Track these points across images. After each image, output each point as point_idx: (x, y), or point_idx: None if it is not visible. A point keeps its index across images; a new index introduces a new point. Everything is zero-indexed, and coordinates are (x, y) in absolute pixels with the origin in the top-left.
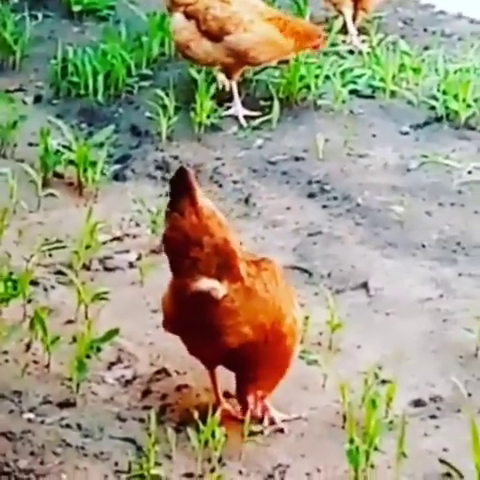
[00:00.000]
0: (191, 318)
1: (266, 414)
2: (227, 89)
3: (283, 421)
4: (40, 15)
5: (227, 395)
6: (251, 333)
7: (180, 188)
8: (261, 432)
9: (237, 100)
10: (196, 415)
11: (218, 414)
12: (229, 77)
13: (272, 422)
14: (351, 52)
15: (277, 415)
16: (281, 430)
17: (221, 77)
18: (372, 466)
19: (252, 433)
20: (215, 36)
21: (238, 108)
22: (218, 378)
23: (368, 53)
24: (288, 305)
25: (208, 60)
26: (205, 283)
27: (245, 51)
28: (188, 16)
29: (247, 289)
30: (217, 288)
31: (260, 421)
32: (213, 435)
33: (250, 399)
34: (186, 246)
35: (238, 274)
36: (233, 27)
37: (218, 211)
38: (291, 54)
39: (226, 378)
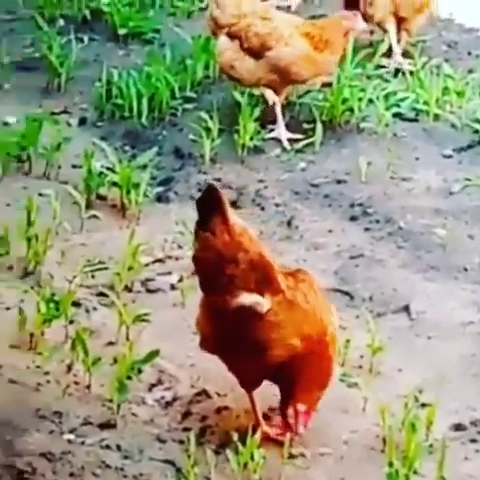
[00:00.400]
0: (232, 335)
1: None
2: (276, 106)
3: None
4: (86, 38)
5: (266, 417)
6: (299, 344)
7: (210, 206)
8: (301, 455)
9: (280, 123)
10: (235, 437)
11: (258, 436)
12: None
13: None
14: (395, 75)
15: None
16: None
17: (271, 96)
18: None
19: (291, 456)
20: (257, 52)
21: (281, 131)
22: (257, 400)
23: (411, 74)
24: (328, 314)
25: (252, 79)
26: (248, 298)
27: (286, 66)
28: (231, 36)
29: (289, 301)
30: (261, 302)
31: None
32: (252, 457)
33: (297, 411)
34: (220, 264)
35: (278, 287)
36: (274, 42)
37: (247, 227)
38: (332, 69)
39: (265, 400)
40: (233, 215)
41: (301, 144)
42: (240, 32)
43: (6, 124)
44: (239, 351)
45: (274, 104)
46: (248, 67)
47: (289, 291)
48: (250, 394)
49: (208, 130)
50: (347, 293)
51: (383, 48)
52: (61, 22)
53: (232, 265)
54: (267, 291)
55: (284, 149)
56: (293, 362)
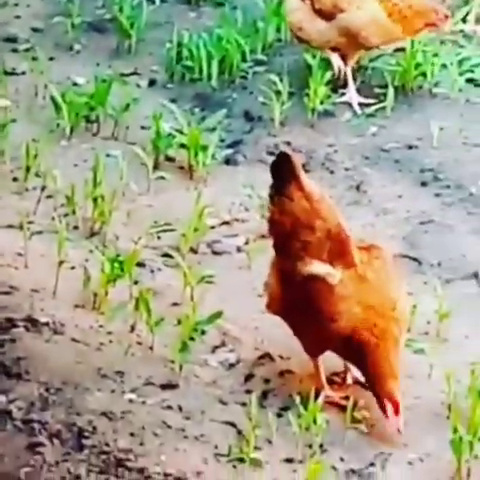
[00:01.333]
0: (299, 301)
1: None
2: (342, 74)
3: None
4: (157, 0)
5: (330, 381)
6: (361, 314)
7: (285, 172)
8: (364, 419)
9: (351, 87)
10: (298, 400)
11: (320, 400)
12: (345, 63)
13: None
14: (469, 41)
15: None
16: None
17: (337, 61)
18: (476, 457)
19: (354, 420)
20: (328, 14)
21: (352, 95)
22: (322, 364)
23: None
24: (398, 294)
25: (321, 41)
26: (320, 267)
27: (357, 30)
28: None
29: (360, 276)
30: (332, 273)
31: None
32: (314, 421)
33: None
34: (296, 229)
35: (352, 261)
36: (346, 4)
37: (327, 196)
38: (403, 39)
39: (330, 364)
40: (310, 182)
41: (372, 109)
42: None
43: (76, 84)
44: (305, 318)
45: (339, 69)
46: (318, 28)
47: (362, 266)
48: (314, 358)
49: (278, 93)
50: (415, 259)
51: (461, 14)
52: None
53: (308, 231)
54: (340, 263)
55: (355, 113)
56: (357, 337)
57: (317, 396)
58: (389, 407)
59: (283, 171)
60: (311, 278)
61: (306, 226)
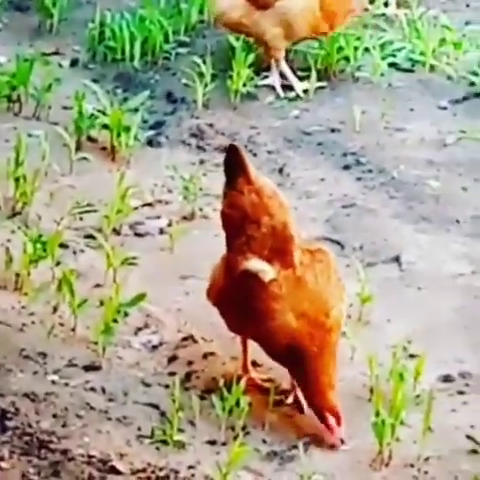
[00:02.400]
0: (237, 295)
1: (292, 392)
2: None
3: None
4: None
5: (254, 364)
6: (294, 322)
7: (234, 166)
8: (285, 402)
9: (275, 69)
10: (221, 383)
11: (243, 382)
12: (272, 55)
13: (296, 401)
14: (392, 25)
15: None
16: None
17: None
18: (397, 440)
19: (277, 403)
20: (265, 3)
21: (276, 78)
22: (250, 346)
23: (408, 24)
24: (336, 300)
25: (256, 31)
26: (255, 264)
27: (294, 19)
28: None
29: (297, 278)
30: (266, 270)
31: (285, 396)
32: (237, 403)
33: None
34: (243, 224)
35: (291, 261)
36: None
37: (280, 192)
38: (326, 35)
39: (255, 347)
40: (263, 178)
41: (296, 91)
42: None
43: None
44: (241, 315)
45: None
46: (253, 18)
47: (301, 268)
48: (244, 340)
49: (201, 75)
50: (338, 242)
51: None
52: None
53: (254, 226)
54: (278, 262)
55: (278, 96)
56: (293, 343)
57: (240, 379)
58: (331, 419)
59: (232, 164)
60: (246, 274)
61: (253, 221)
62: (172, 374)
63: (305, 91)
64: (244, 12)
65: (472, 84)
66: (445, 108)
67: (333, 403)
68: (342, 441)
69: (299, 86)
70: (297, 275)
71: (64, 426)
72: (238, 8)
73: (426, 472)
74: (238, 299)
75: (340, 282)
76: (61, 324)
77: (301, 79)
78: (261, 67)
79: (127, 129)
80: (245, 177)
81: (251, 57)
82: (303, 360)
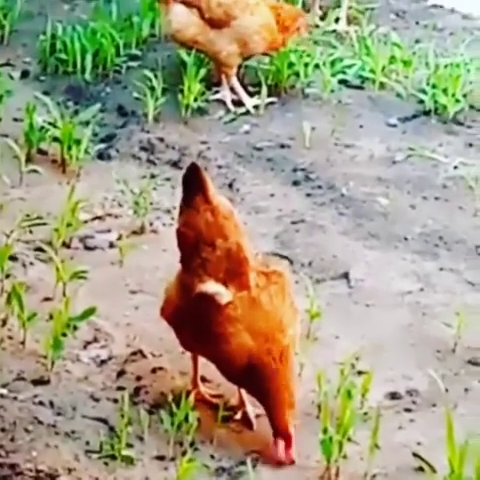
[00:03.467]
0: (192, 316)
1: (240, 408)
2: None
3: (257, 416)
4: None
5: (203, 379)
6: (251, 342)
7: (192, 184)
8: (234, 418)
9: (225, 85)
10: (170, 398)
11: (192, 397)
12: (224, 71)
13: (245, 417)
14: (341, 42)
15: (251, 410)
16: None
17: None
18: (345, 457)
19: (226, 419)
20: (220, 23)
21: (226, 93)
22: (199, 361)
23: (358, 42)
24: (290, 321)
25: (212, 49)
26: (211, 287)
27: (251, 36)
28: (188, 5)
29: (252, 299)
30: (222, 293)
31: (234, 411)
32: (186, 419)
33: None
34: (198, 245)
35: (246, 283)
36: (239, 11)
37: (235, 212)
38: (279, 49)
39: (205, 362)
40: (220, 197)
41: (245, 107)
42: (199, 1)
43: None
44: (194, 334)
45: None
46: (209, 37)
47: (256, 289)
48: (195, 356)
49: (152, 89)
50: (287, 258)
51: (333, 15)
52: None
53: (209, 249)
54: (233, 284)
55: (228, 111)
56: (252, 362)
57: (189, 394)
58: (280, 443)
59: (191, 182)
60: (202, 296)
61: (208, 243)
62: (121, 389)
63: (256, 107)
64: (199, 30)
65: (421, 102)
66: (394, 125)
67: (287, 424)
68: (292, 462)
69: (249, 102)
70: (252, 297)
71: (12, 440)
72: (192, 26)
73: None
74: (194, 320)
75: (294, 305)
76: (10, 337)
77: (252, 94)
78: (212, 82)
79: (78, 142)
80: (203, 196)
81: (202, 72)
82: (264, 378)
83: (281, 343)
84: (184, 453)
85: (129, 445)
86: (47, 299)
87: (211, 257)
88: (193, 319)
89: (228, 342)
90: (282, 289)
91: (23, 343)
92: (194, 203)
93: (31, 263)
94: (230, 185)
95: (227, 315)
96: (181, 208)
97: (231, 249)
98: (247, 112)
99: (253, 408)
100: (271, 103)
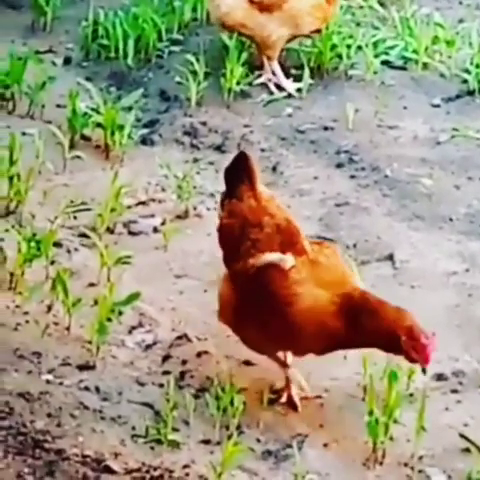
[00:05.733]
0: (254, 298)
1: (286, 391)
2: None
3: (302, 399)
4: None
5: (248, 363)
6: (326, 294)
7: (240, 172)
8: (279, 401)
9: (268, 68)
10: (215, 382)
11: (284, 399)
12: (267, 54)
13: (290, 400)
14: (383, 23)
15: (297, 393)
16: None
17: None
18: (391, 438)
19: (271, 402)
20: (271, 7)
21: (269, 76)
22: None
23: (401, 23)
24: (352, 276)
25: (261, 34)
26: (271, 256)
27: (303, 17)
28: None
29: (312, 261)
30: (285, 258)
31: (279, 395)
32: (232, 402)
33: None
34: (244, 230)
35: (303, 248)
36: None
37: (276, 197)
38: (329, 21)
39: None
40: (261, 184)
41: (289, 91)
42: None
43: None
44: (260, 317)
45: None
46: (258, 21)
47: (313, 253)
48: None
49: (194, 73)
50: (331, 240)
51: None
52: None
53: (256, 230)
54: (291, 252)
55: (271, 94)
56: (347, 307)
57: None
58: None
59: (236, 173)
60: (265, 267)
61: (254, 224)
62: (166, 373)
63: (298, 90)
64: (247, 14)
65: (465, 82)
66: (438, 106)
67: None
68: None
69: (289, 86)
70: (311, 259)
71: (58, 426)
72: (240, 9)
73: (420, 471)
74: (257, 299)
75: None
76: (55, 323)
77: (295, 77)
78: (254, 65)
79: (121, 127)
80: (249, 184)
81: (244, 55)
82: (366, 313)
83: (355, 284)
84: (230, 437)
85: (175, 429)
86: (92, 285)
87: (261, 236)
88: (257, 302)
89: (302, 302)
90: (335, 253)
91: (68, 329)
92: (238, 192)
93: (75, 249)
94: (274, 168)
95: (294, 279)
96: (222, 202)
97: (280, 224)
98: (290, 95)
99: (298, 391)
100: (314, 85)
